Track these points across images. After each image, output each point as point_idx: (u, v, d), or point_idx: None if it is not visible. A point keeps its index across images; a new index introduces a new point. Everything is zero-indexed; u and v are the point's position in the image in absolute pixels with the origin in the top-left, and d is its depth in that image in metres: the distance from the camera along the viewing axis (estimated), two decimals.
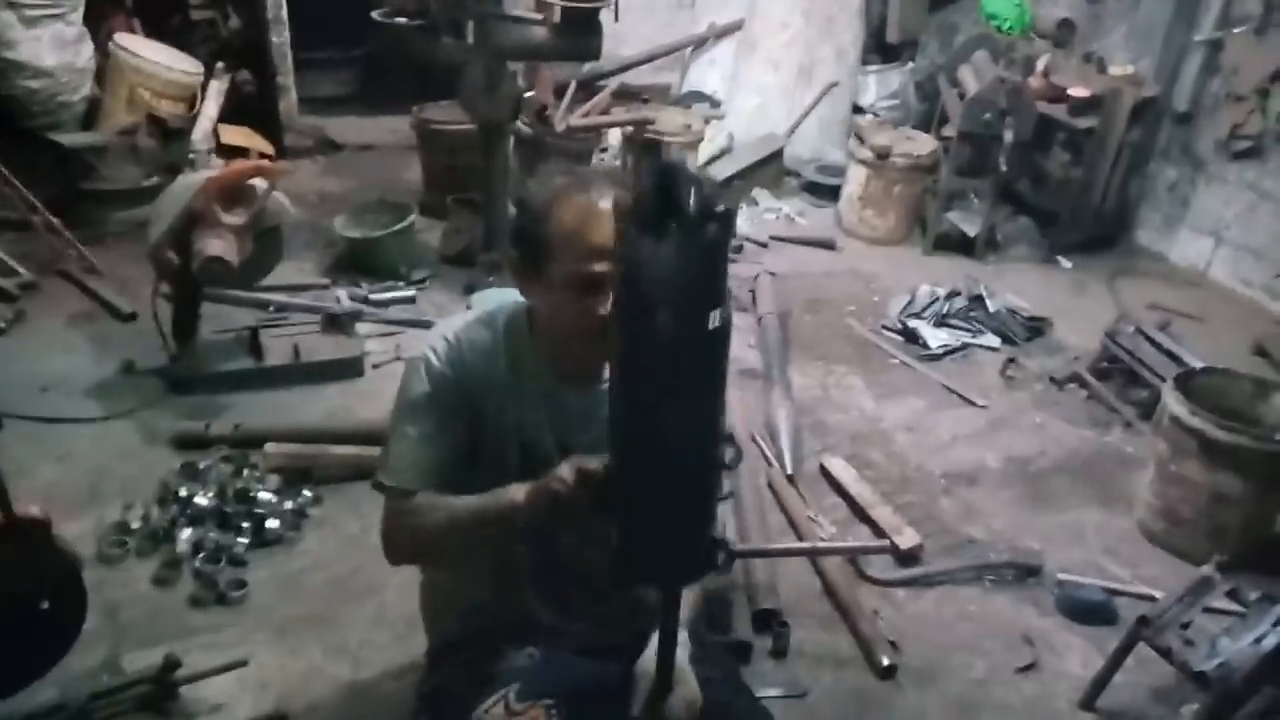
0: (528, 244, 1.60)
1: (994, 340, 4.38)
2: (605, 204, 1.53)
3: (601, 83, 5.62)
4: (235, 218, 3.27)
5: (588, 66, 5.73)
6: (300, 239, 4.47)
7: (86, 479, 2.94)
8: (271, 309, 3.79)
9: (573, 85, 4.95)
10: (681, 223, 1.17)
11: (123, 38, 4.68)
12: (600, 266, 1.52)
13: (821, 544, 2.93)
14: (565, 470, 1.46)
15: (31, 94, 4.41)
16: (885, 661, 2.58)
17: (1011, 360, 4.24)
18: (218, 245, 3.17)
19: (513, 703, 1.64)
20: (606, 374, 1.67)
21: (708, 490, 1.35)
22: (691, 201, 1.17)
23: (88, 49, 4.61)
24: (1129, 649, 2.50)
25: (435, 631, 1.96)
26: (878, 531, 3.09)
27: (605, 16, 3.98)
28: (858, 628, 2.69)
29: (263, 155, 5.25)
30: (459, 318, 1.79)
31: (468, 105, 4.02)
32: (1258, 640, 2.43)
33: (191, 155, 4.70)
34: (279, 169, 3.50)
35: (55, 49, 4.43)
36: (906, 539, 3.03)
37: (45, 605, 1.83)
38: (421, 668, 1.96)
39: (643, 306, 1.20)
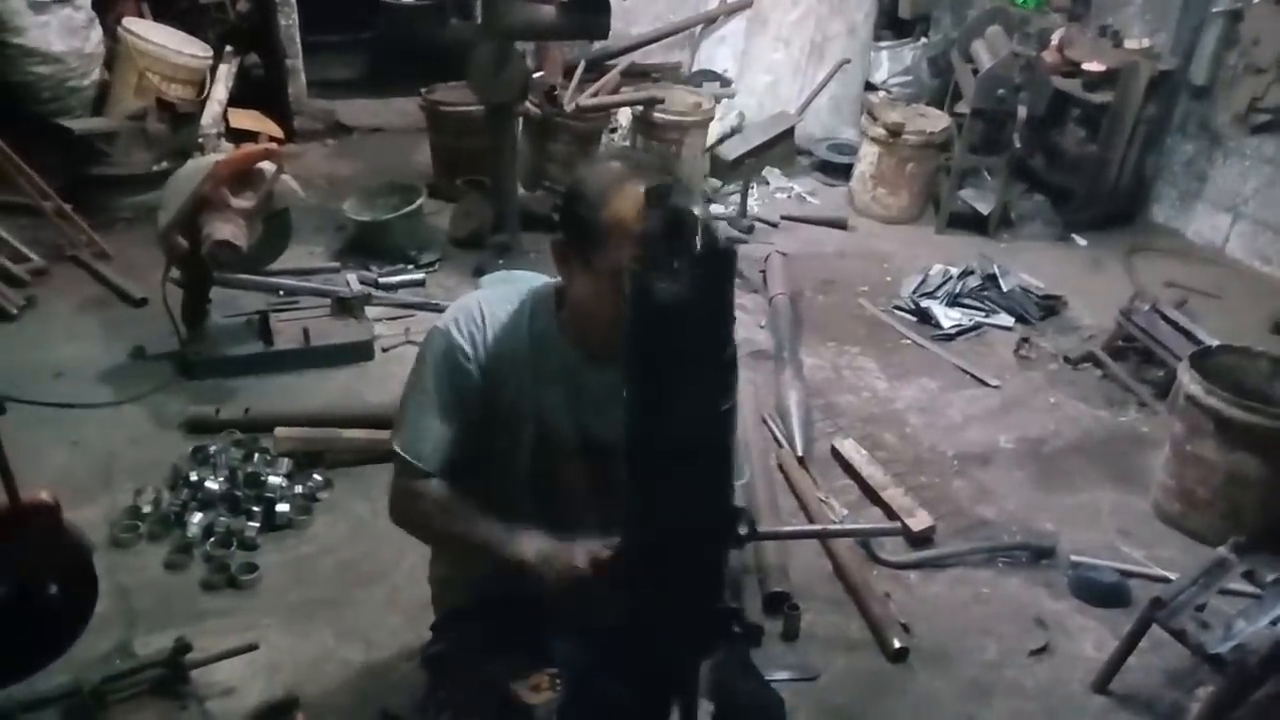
0: (579, 229, 1.56)
1: (1008, 320, 4.35)
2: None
3: (611, 62, 5.57)
4: (244, 201, 3.26)
5: (597, 45, 5.68)
6: (310, 222, 4.46)
7: (98, 464, 2.95)
8: (281, 293, 3.79)
9: (582, 65, 4.91)
10: (689, 261, 1.20)
11: (131, 22, 4.66)
12: None
13: (832, 526, 2.91)
14: (580, 558, 1.50)
15: (40, 80, 4.40)
16: (897, 644, 2.57)
17: (1025, 340, 4.20)
18: (226, 229, 3.16)
19: (515, 669, 1.65)
20: None
21: (719, 563, 1.38)
22: (698, 242, 1.20)
23: (96, 34, 4.60)
24: (1143, 631, 2.48)
25: (443, 601, 1.96)
26: (890, 513, 3.07)
27: None
28: (869, 610, 2.68)
29: (272, 139, 5.24)
30: (485, 291, 1.76)
31: (475, 86, 3.99)
32: (1274, 622, 2.41)
33: (201, 139, 4.72)
34: (287, 152, 3.47)
35: (64, 34, 4.42)
36: (918, 521, 3.01)
37: (54, 590, 1.83)
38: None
39: (654, 340, 1.22)
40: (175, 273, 3.36)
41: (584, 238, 1.56)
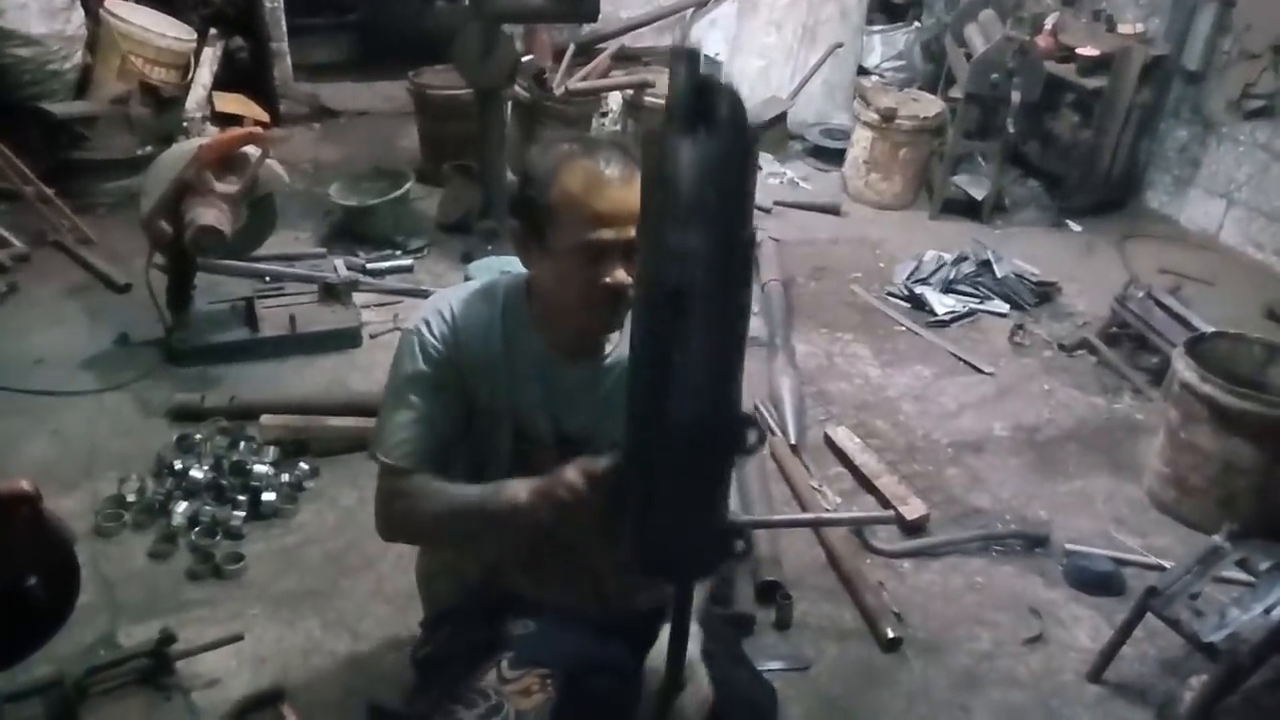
0: (530, 211, 1.54)
1: (1002, 306, 4.32)
2: (611, 170, 1.49)
3: (601, 45, 5.51)
4: (228, 186, 3.21)
5: (587, 29, 5.62)
6: (296, 207, 4.41)
7: (81, 453, 2.90)
8: (267, 279, 3.73)
9: (571, 48, 4.85)
10: (714, 128, 1.11)
11: (114, 4, 4.59)
12: (606, 234, 1.48)
13: (825, 515, 2.89)
14: (572, 474, 1.43)
15: (20, 63, 4.32)
16: (890, 634, 2.55)
17: (1020, 326, 4.18)
18: (210, 214, 3.11)
19: (505, 671, 1.62)
20: (606, 350, 1.65)
21: (725, 473, 1.30)
22: (724, 107, 1.11)
23: (78, 16, 4.52)
24: (1137, 620, 2.46)
25: (432, 600, 1.94)
26: (883, 502, 3.05)
27: None
28: (862, 599, 2.66)
29: (257, 123, 5.18)
30: (456, 289, 1.74)
31: (463, 70, 3.93)
32: (1268, 610, 2.39)
33: (185, 124, 4.65)
34: (271, 136, 3.42)
35: (44, 17, 4.34)
36: (912, 509, 2.99)
37: (34, 582, 1.79)
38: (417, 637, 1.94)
39: (674, 214, 1.13)
40: (159, 259, 3.30)
41: (536, 219, 1.53)
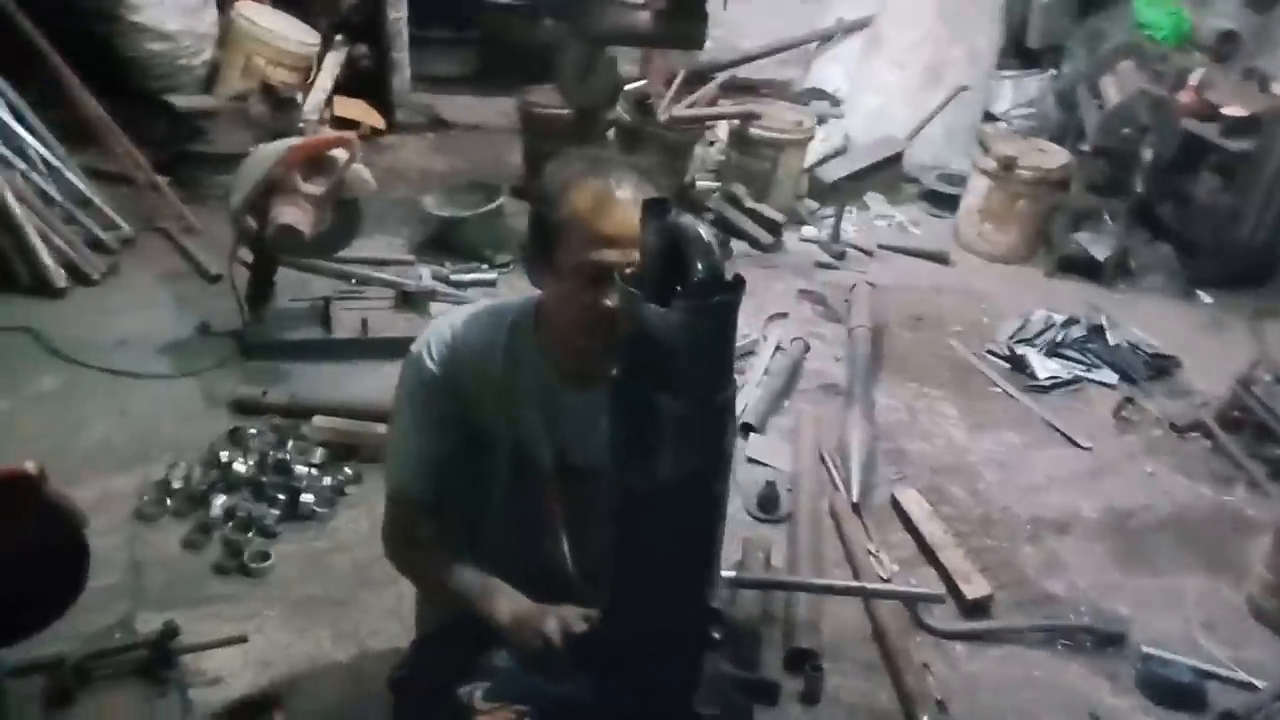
0: (539, 229, 1.52)
1: (1111, 376, 4.01)
2: (621, 191, 1.45)
3: (717, 75, 5.43)
4: (314, 188, 3.25)
5: (705, 57, 5.56)
6: (395, 214, 4.47)
7: (142, 435, 2.97)
8: (352, 281, 3.78)
9: (680, 75, 4.78)
10: (688, 290, 1.12)
11: (244, 5, 4.78)
12: (610, 255, 1.43)
13: (870, 585, 2.69)
14: (551, 625, 1.43)
15: (153, 57, 4.54)
16: None
17: (1128, 400, 3.87)
18: (291, 214, 3.15)
19: (478, 701, 1.54)
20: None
21: (691, 668, 1.33)
22: (699, 267, 1.12)
23: (211, 15, 4.73)
24: None
25: (421, 622, 1.93)
26: (944, 576, 2.83)
27: (714, 5, 3.82)
28: (902, 681, 2.46)
29: (373, 130, 5.31)
30: (462, 310, 1.70)
31: (563, 90, 3.92)
32: None
33: (301, 124, 4.77)
34: (359, 141, 3.45)
35: (178, 14, 4.55)
36: (974, 588, 2.77)
37: (34, 562, 1.80)
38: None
39: (643, 379, 1.15)
40: (244, 252, 3.38)
41: (544, 237, 1.49)
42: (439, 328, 1.62)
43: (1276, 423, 3.52)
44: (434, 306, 3.74)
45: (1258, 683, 2.55)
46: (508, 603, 1.52)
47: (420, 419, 1.60)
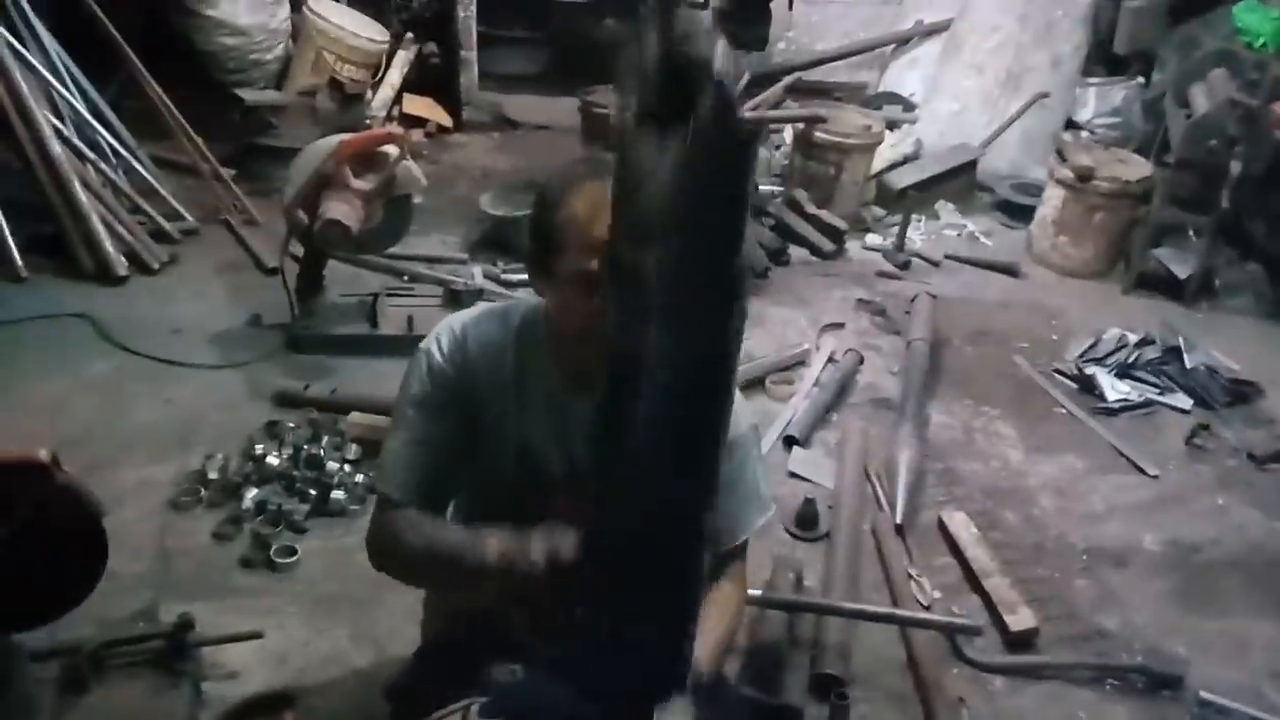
0: (539, 234, 1.46)
1: (1185, 401, 3.80)
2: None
3: (790, 77, 5.32)
4: (364, 183, 3.27)
5: (778, 59, 5.46)
6: (454, 213, 4.49)
7: (185, 424, 3.01)
8: (405, 278, 3.79)
9: (746, 76, 4.68)
10: (694, 125, 0.94)
11: (317, 2, 4.84)
12: None
13: (902, 612, 2.57)
14: (538, 547, 1.39)
15: (226, 50, 4.64)
16: None
17: (1204, 427, 3.66)
18: (340, 209, 3.17)
19: (472, 716, 1.49)
20: None
21: (689, 589, 1.22)
22: (709, 98, 0.94)
23: (284, 11, 4.81)
24: None
25: (430, 625, 1.92)
26: (989, 605, 2.70)
27: (782, 6, 3.72)
28: (934, 713, 2.34)
29: (440, 127, 5.35)
30: (473, 309, 1.66)
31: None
32: None
33: (368, 120, 4.84)
34: (426, 139, 3.46)
35: (251, 9, 4.64)
36: (1020, 619, 2.63)
37: (50, 549, 1.82)
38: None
39: (638, 233, 1.00)
40: (296, 246, 3.41)
41: (544, 242, 1.44)
42: (449, 325, 1.58)
43: None
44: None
45: None
46: (492, 542, 1.45)
47: (422, 417, 1.56)
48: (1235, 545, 3.10)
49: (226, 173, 4.27)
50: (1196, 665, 2.60)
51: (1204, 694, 2.50)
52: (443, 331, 1.58)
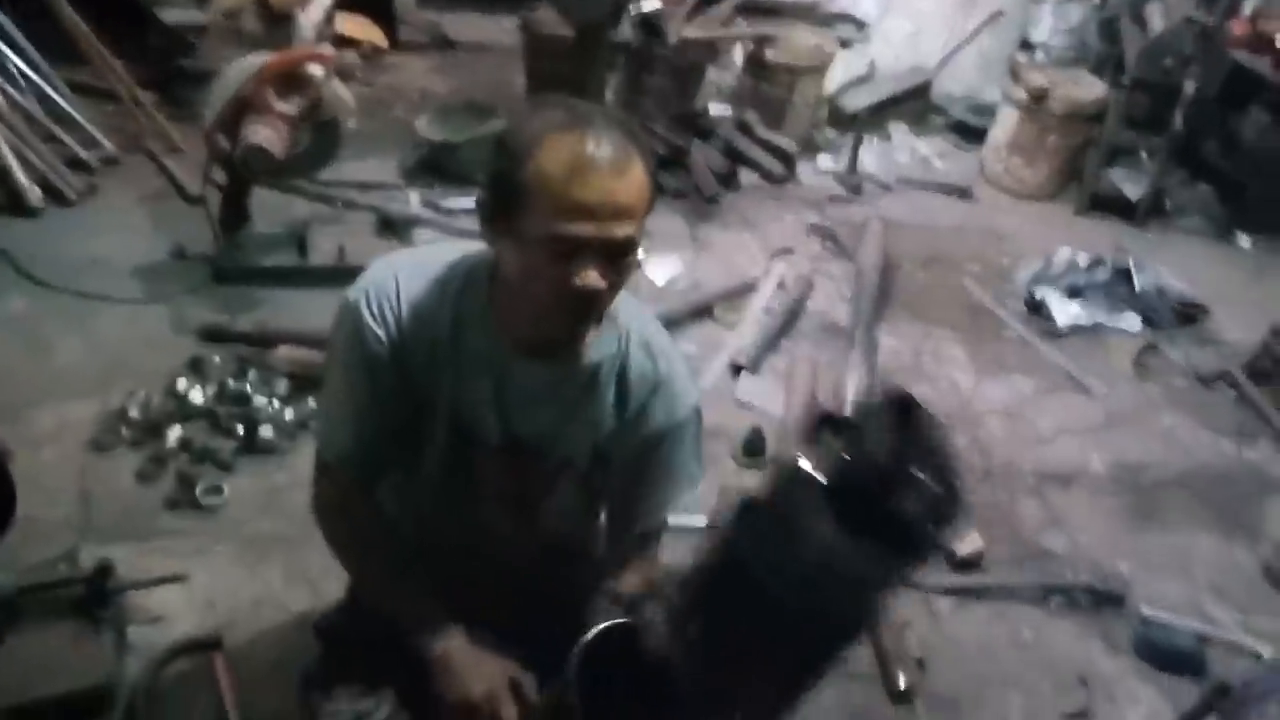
0: (501, 187, 1.28)
1: (1134, 323, 3.79)
2: (601, 152, 1.23)
3: None
4: (288, 106, 3.09)
5: None
6: (389, 136, 4.31)
7: (106, 361, 2.87)
8: (338, 205, 3.64)
9: None
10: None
11: None
12: (583, 229, 1.24)
13: None
14: (478, 692, 1.37)
15: None
16: (902, 684, 2.22)
17: (1152, 347, 3.66)
18: (262, 133, 3.00)
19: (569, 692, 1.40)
20: (584, 349, 1.42)
21: None
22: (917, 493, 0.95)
23: None
24: (1200, 717, 2.05)
25: None
26: None
27: None
28: (880, 639, 2.33)
29: (375, 48, 5.11)
30: (411, 254, 1.53)
31: (561, 5, 3.69)
32: None
33: (298, 41, 4.59)
34: (341, 58, 3.28)
35: None
36: (965, 542, 2.62)
37: None
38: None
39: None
40: (218, 174, 3.24)
41: (507, 196, 1.26)
42: (380, 279, 1.42)
43: None
44: (418, 234, 3.59)
45: (1264, 651, 2.40)
46: (441, 641, 1.40)
47: (353, 377, 1.43)
48: (1180, 464, 3.12)
49: (147, 98, 4.04)
50: (1140, 581, 2.63)
51: (1146, 609, 2.52)
52: (372, 283, 1.42)
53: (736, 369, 3.17)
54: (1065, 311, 3.80)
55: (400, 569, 1.48)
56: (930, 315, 3.72)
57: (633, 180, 1.25)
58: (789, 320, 3.48)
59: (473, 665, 1.39)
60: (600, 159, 1.23)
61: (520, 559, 1.58)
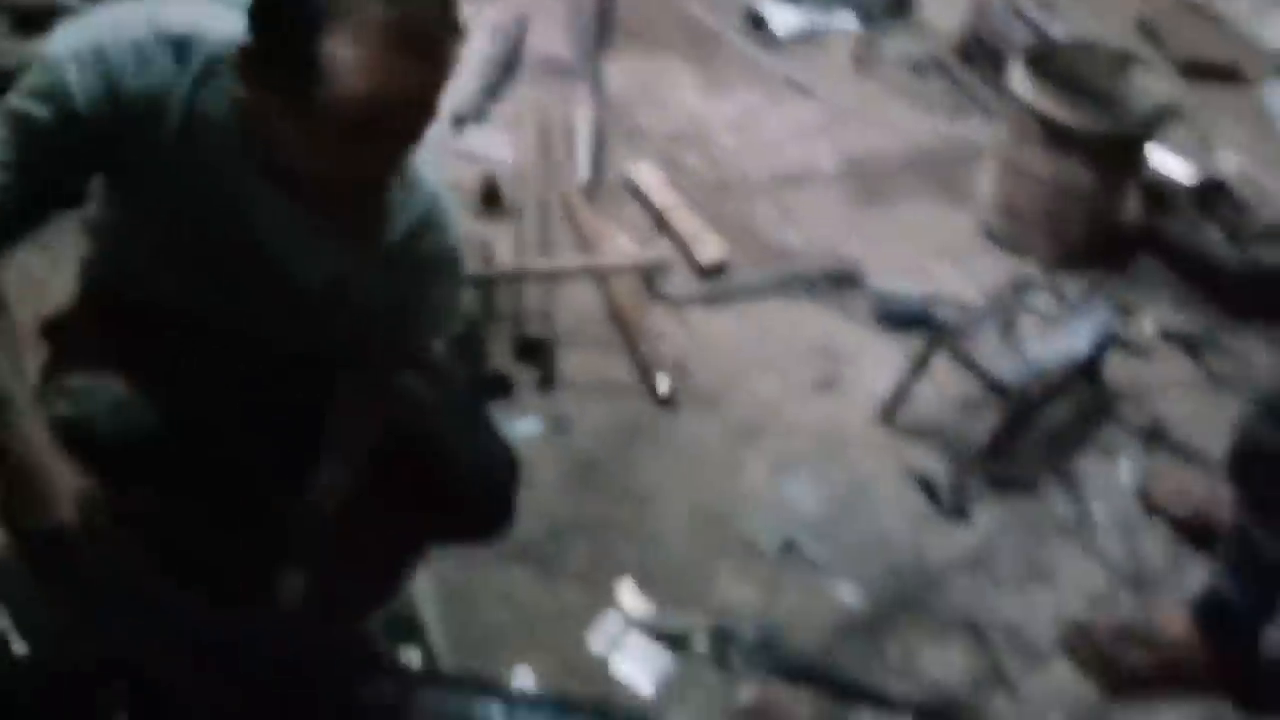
0: (287, 42, 1.01)
1: (850, 21, 3.84)
2: (412, 29, 1.01)
3: None
4: None
5: None
6: None
7: None
8: None
9: None
10: None
11: None
12: (378, 116, 1.03)
13: (593, 260, 2.53)
14: (65, 508, 1.13)
15: None
16: (662, 387, 2.28)
17: (867, 43, 3.73)
18: None
19: None
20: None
21: None
22: None
23: None
24: (926, 358, 2.23)
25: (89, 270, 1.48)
26: (680, 244, 2.71)
27: None
28: (638, 350, 2.37)
29: None
30: (135, 14, 1.16)
31: None
32: (1072, 345, 2.18)
33: None
34: None
35: None
36: (709, 251, 2.66)
37: None
38: None
39: None
40: None
41: (293, 55, 1.01)
42: (98, 40, 1.13)
43: (1009, 49, 3.47)
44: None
45: (980, 299, 2.61)
46: (25, 435, 1.13)
47: (25, 143, 1.15)
48: (902, 148, 3.25)
49: None
50: (873, 258, 2.76)
51: (878, 283, 2.67)
52: (85, 43, 1.12)
53: (459, 120, 3.00)
54: (784, 21, 3.78)
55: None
56: (654, 42, 3.61)
57: (438, 64, 1.04)
58: (509, 63, 3.29)
59: (59, 477, 1.16)
60: (409, 37, 1.01)
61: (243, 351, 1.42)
